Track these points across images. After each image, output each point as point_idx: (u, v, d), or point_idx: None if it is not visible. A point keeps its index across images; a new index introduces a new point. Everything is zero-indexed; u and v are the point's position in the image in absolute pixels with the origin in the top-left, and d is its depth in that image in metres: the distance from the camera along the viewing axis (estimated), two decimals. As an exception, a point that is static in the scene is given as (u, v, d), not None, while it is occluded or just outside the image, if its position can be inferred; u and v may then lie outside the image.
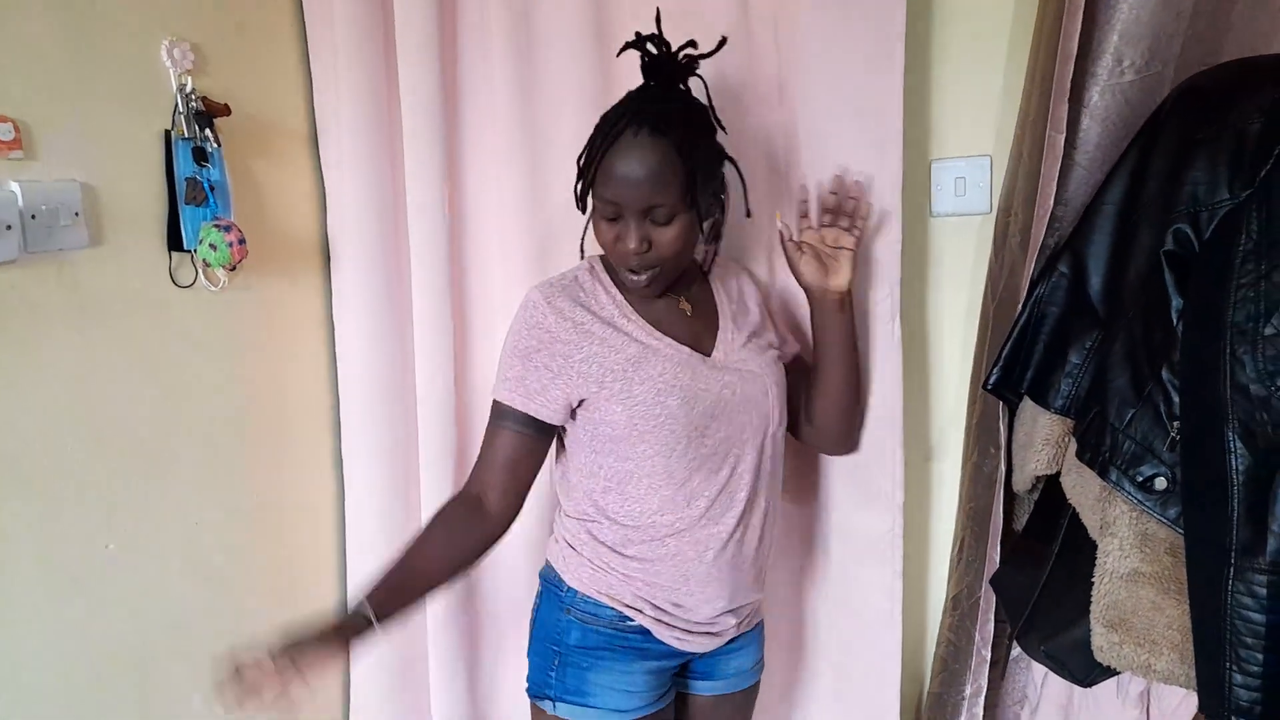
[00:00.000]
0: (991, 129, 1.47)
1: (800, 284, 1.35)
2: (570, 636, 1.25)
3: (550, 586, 1.30)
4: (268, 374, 1.57)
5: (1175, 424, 1.03)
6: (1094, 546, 1.12)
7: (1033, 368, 1.27)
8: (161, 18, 1.33)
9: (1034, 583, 1.24)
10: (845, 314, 1.32)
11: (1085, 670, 1.14)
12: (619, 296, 1.23)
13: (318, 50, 1.58)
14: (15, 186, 1.15)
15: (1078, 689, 1.30)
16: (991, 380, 1.30)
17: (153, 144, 1.34)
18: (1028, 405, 1.29)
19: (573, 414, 1.22)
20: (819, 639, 1.59)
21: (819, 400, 1.36)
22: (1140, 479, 1.05)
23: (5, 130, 1.14)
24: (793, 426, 1.40)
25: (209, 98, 1.38)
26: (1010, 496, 1.38)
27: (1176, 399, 1.03)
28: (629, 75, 1.29)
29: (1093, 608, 1.08)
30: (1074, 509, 1.17)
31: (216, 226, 1.37)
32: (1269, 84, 1.06)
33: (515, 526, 1.25)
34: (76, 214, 1.24)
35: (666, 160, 1.11)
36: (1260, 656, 0.94)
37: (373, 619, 1.13)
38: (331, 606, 1.73)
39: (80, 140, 1.24)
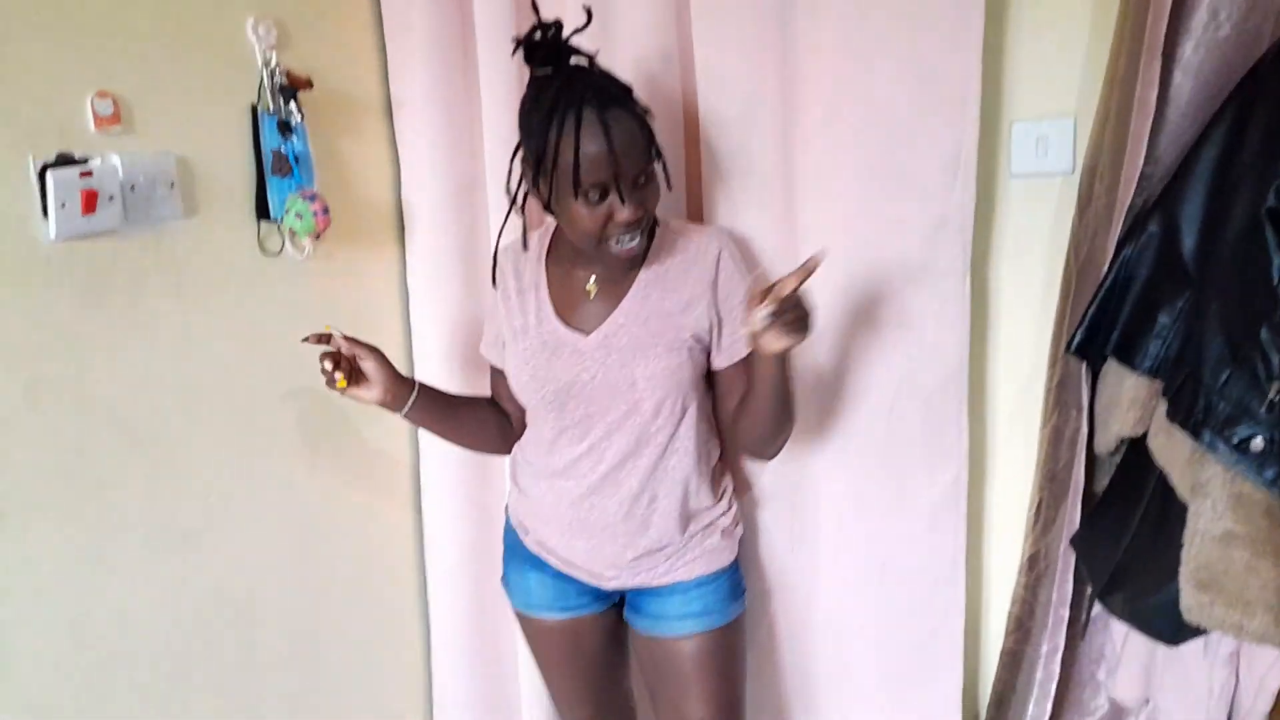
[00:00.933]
0: (1074, 89, 1.44)
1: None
2: (505, 536, 1.51)
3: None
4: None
5: (1274, 385, 1.02)
6: (1183, 508, 1.11)
7: (1119, 329, 1.25)
8: (247, -2, 1.36)
9: (1118, 544, 1.23)
10: (781, 370, 1.22)
11: (1173, 630, 1.14)
12: (541, 271, 1.34)
13: (394, 25, 1.59)
14: (116, 159, 1.19)
15: (1160, 650, 1.30)
16: (1075, 342, 1.29)
17: (240, 118, 1.38)
18: (1112, 367, 1.28)
19: None
20: (879, 598, 1.59)
21: (744, 419, 1.32)
22: (1236, 440, 1.04)
23: (106, 106, 1.18)
24: (715, 412, 1.40)
25: (292, 72, 1.40)
26: (1091, 459, 1.37)
27: (1276, 360, 1.01)
28: (708, 48, 1.31)
29: (1182, 569, 1.08)
30: (1161, 471, 1.16)
31: (302, 196, 1.41)
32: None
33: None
34: (172, 185, 1.27)
35: (630, 126, 1.15)
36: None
37: (415, 392, 1.38)
38: (409, 563, 1.79)
39: (173, 115, 1.27)
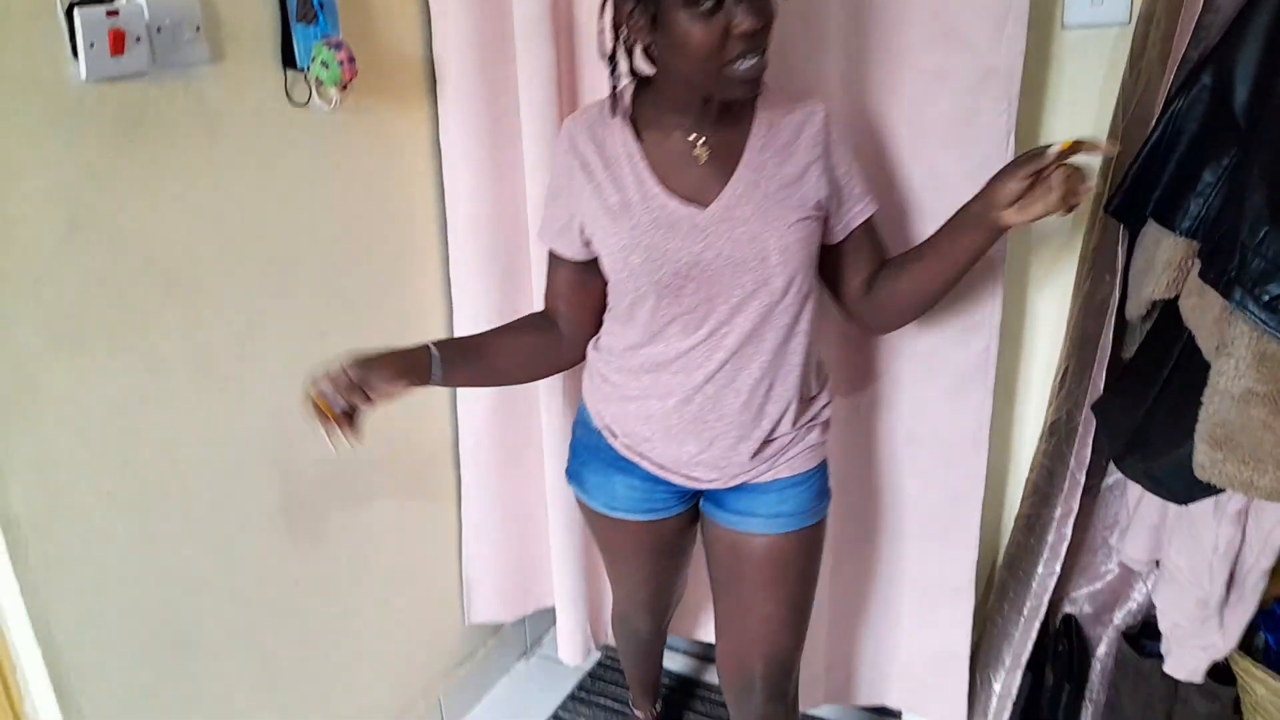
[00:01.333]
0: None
1: (991, 199, 1.14)
2: (576, 432, 1.42)
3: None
4: (381, 194, 1.62)
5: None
6: (1206, 369, 1.10)
7: (1161, 188, 1.21)
8: None
9: (1139, 408, 1.23)
10: (990, 244, 1.19)
11: (1186, 489, 1.15)
12: (628, 138, 1.19)
13: None
14: (142, 0, 1.19)
15: (1171, 511, 1.31)
16: (1115, 202, 1.25)
17: (263, -41, 1.35)
18: (1151, 229, 1.25)
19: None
20: (899, 465, 1.61)
21: (903, 283, 1.26)
22: (1267, 298, 1.01)
23: (128, -58, 1.17)
24: (834, 292, 1.34)
25: (317, -91, 1.36)
26: (1121, 325, 1.35)
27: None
28: None
29: (1199, 426, 1.07)
30: (1189, 333, 1.14)
31: (327, 45, 1.39)
32: None
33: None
34: (198, 28, 1.27)
35: None
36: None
37: (435, 360, 1.26)
38: (445, 411, 1.85)
39: (196, -46, 1.26)
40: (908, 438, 1.59)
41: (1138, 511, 1.36)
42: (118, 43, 1.15)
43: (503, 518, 1.91)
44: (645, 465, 1.32)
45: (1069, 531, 1.44)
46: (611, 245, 1.19)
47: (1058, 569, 1.48)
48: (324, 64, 1.39)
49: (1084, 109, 1.43)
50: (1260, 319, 1.02)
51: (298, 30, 1.39)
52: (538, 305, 1.69)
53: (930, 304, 1.28)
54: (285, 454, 1.51)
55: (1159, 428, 1.19)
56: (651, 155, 1.18)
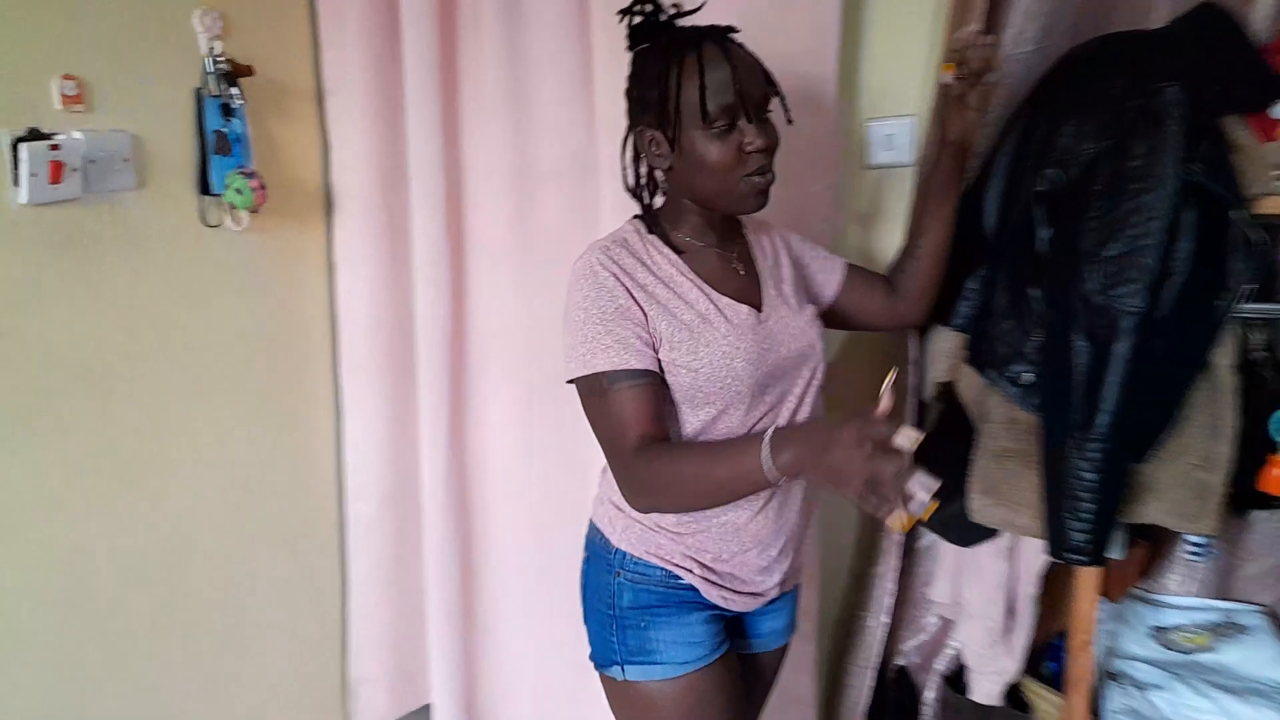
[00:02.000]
0: (917, 92, 1.69)
1: (948, 139, 1.36)
2: (623, 599, 1.23)
3: (597, 551, 1.28)
4: (280, 304, 1.79)
5: (1039, 331, 1.29)
6: (974, 434, 1.38)
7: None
8: (195, -10, 1.53)
9: (934, 469, 1.50)
10: (961, 167, 1.37)
11: (967, 535, 1.41)
12: (673, 256, 1.19)
13: (328, 16, 1.77)
14: (79, 135, 1.36)
15: (967, 561, 1.57)
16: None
17: (186, 100, 1.55)
18: (935, 326, 1.55)
19: None
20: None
21: (919, 263, 1.38)
22: (1009, 375, 1.31)
23: (70, 87, 1.34)
24: (877, 322, 1.43)
25: (235, 60, 1.58)
26: (922, 405, 1.63)
27: (1037, 311, 1.29)
28: (606, 43, 1.52)
29: (971, 479, 1.35)
30: (964, 406, 1.43)
31: (241, 173, 1.58)
32: (1130, 55, 1.31)
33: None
34: (126, 160, 1.44)
35: (746, 53, 1.14)
36: (1090, 506, 1.21)
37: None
38: (330, 510, 1.96)
39: (128, 97, 1.44)
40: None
41: (940, 561, 1.62)
42: (56, 172, 1.32)
43: (391, 618, 2.01)
44: (722, 593, 1.24)
45: (894, 587, 1.68)
46: (705, 357, 1.14)
47: (887, 621, 1.71)
48: (238, 190, 1.58)
49: (890, 231, 1.75)
50: (1008, 392, 1.31)
51: (215, 161, 1.58)
52: (424, 405, 1.87)
53: (946, 258, 1.39)
54: (181, 556, 1.60)
55: (947, 485, 1.46)
56: (698, 270, 1.20)
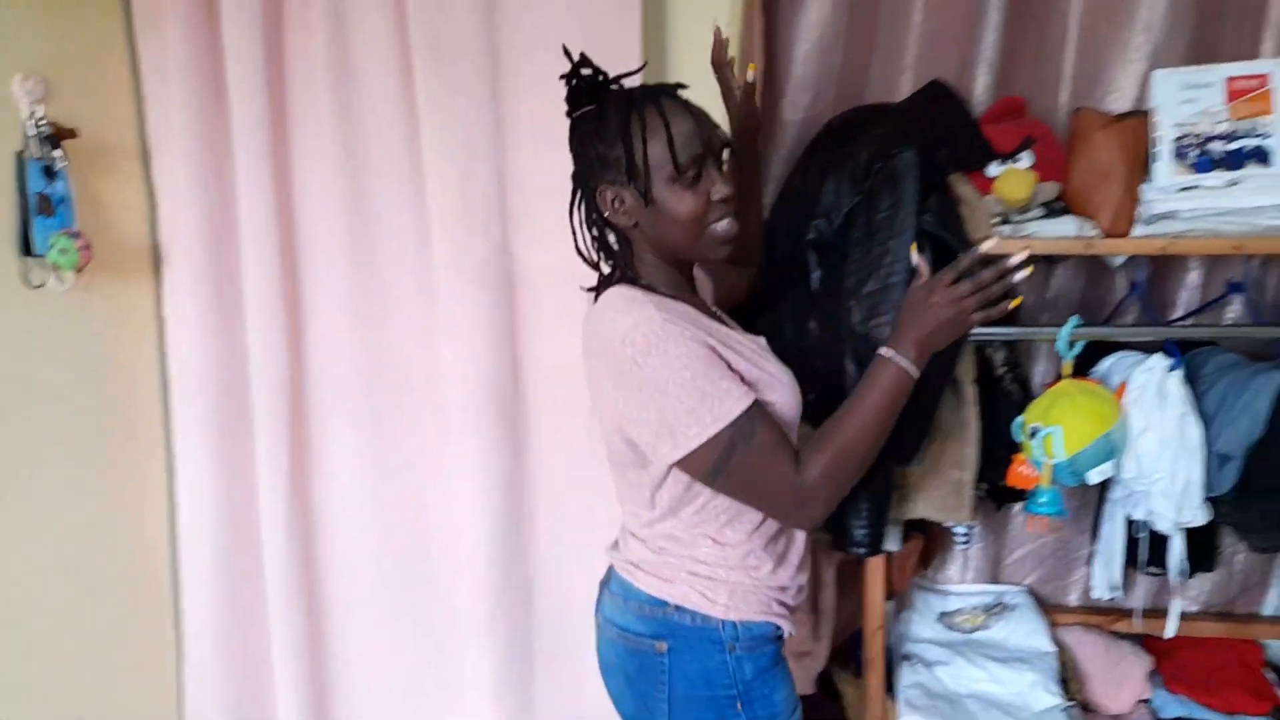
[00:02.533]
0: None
1: (748, 121, 1.41)
2: (746, 673, 1.15)
3: (690, 636, 1.16)
4: (109, 362, 1.78)
5: (818, 357, 1.50)
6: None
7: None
8: (15, 56, 1.54)
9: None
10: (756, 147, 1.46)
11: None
12: (684, 308, 1.15)
13: (151, 77, 1.80)
14: (-107, 200, 1.35)
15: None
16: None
17: (6, 164, 1.55)
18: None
19: None
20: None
21: (748, 233, 1.41)
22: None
23: (-116, 153, 1.34)
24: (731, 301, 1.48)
25: (57, 123, 1.59)
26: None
27: (815, 338, 1.50)
28: (430, 96, 1.65)
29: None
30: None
31: (65, 234, 1.59)
32: (875, 123, 1.56)
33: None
34: (-59, 223, 1.44)
35: (699, 106, 1.16)
36: (866, 506, 1.42)
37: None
38: (162, 567, 1.95)
39: (-56, 160, 1.44)
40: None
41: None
42: None
43: (224, 669, 1.99)
44: (789, 624, 1.22)
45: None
46: (783, 387, 1.16)
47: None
48: (62, 251, 1.59)
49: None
50: (798, 411, 1.51)
51: (37, 222, 1.58)
52: (260, 453, 1.90)
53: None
54: (13, 616, 1.57)
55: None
56: (705, 314, 1.18)
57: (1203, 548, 1.82)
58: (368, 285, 1.87)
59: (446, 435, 1.85)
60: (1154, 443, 1.50)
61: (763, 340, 1.23)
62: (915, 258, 1.20)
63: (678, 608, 1.16)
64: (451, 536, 1.90)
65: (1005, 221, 1.51)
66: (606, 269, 1.20)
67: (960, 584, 2.02)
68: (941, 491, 1.53)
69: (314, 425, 1.96)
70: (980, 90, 1.67)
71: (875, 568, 1.62)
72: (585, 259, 1.21)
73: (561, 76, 1.17)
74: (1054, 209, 1.52)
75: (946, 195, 1.47)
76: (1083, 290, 1.82)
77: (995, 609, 1.94)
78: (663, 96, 1.14)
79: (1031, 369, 1.86)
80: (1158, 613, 1.80)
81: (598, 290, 1.19)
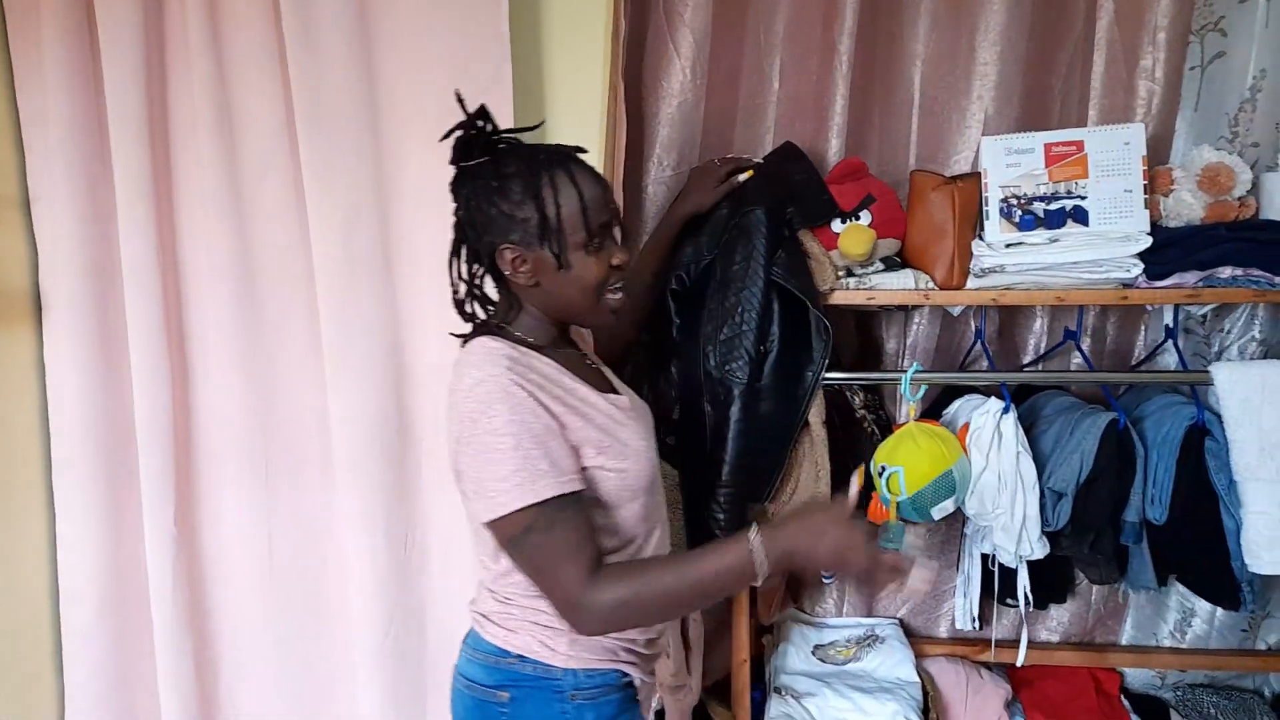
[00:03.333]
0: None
1: (687, 211, 1.60)
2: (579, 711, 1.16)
3: (529, 687, 1.17)
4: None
5: (678, 400, 1.58)
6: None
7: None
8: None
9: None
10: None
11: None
12: (553, 363, 1.16)
13: (30, 120, 1.81)
14: None
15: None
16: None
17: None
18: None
19: None
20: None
21: (642, 296, 1.55)
22: (659, 438, 1.58)
23: None
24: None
25: (-71, 172, 1.60)
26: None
27: (676, 380, 1.58)
28: (323, 152, 1.69)
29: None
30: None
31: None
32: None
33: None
34: None
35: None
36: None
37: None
38: (45, 612, 1.91)
39: None
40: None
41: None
42: None
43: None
44: (639, 674, 1.23)
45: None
46: (631, 456, 1.15)
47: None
48: (-68, 299, 1.58)
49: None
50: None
51: (-92, 270, 1.58)
52: (146, 500, 1.89)
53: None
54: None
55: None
56: (575, 372, 1.17)
57: (1057, 580, 1.93)
58: (255, 332, 1.89)
59: (334, 481, 1.87)
60: (993, 480, 1.61)
61: (626, 400, 1.22)
62: (853, 489, 1.13)
63: (520, 657, 1.17)
64: (343, 583, 1.91)
65: (849, 274, 1.62)
66: (483, 315, 1.20)
67: (835, 617, 2.10)
68: (799, 528, 1.60)
69: (202, 473, 1.96)
70: (833, 152, 1.79)
71: (741, 602, 1.69)
72: (459, 309, 1.20)
73: (457, 126, 1.16)
74: (893, 263, 1.64)
75: (796, 249, 1.57)
76: (938, 338, 1.94)
77: (867, 640, 2.02)
78: (571, 161, 1.13)
79: (896, 411, 1.97)
80: (1018, 643, 1.89)
81: (467, 337, 1.18)
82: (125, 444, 1.92)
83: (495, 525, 1.07)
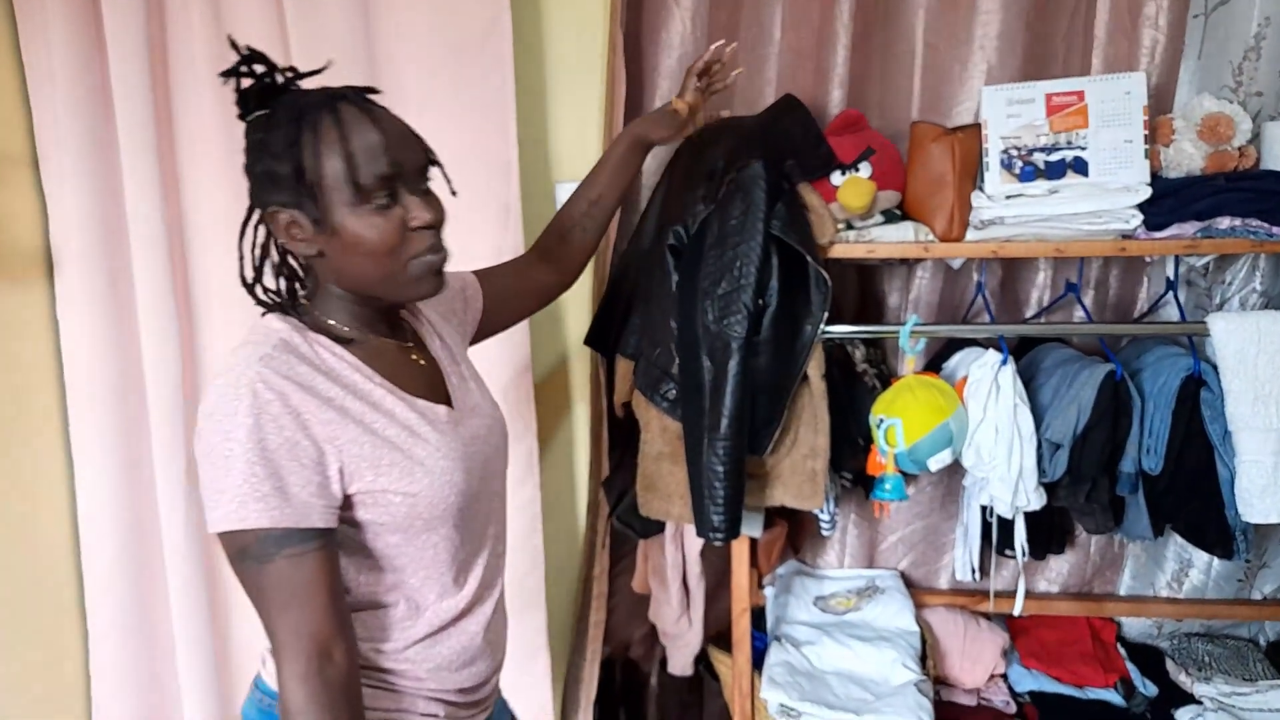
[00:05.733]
0: (585, 159, 1.98)
1: (654, 140, 1.55)
2: None
3: None
4: (6, 370, 1.81)
5: (675, 357, 1.59)
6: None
7: (614, 330, 1.80)
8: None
9: (617, 474, 1.78)
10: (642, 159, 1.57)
11: (642, 526, 1.69)
12: (348, 356, 1.00)
13: (37, 80, 1.83)
14: None
15: (652, 551, 1.86)
16: (587, 338, 1.83)
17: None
18: (618, 356, 1.83)
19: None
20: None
21: (589, 235, 1.50)
22: (660, 391, 1.60)
23: None
24: (517, 312, 1.44)
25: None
26: (613, 419, 1.91)
27: (674, 340, 1.59)
28: None
29: (638, 479, 1.63)
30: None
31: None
32: (731, 135, 1.65)
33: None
34: None
35: (394, 115, 0.99)
36: (722, 493, 1.51)
37: None
38: (68, 560, 1.97)
39: None
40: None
41: (637, 555, 1.91)
42: None
43: (136, 670, 2.01)
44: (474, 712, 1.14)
45: (605, 587, 1.94)
46: (423, 479, 0.98)
47: (603, 618, 1.96)
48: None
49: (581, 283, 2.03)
50: (660, 406, 1.60)
51: (-81, 228, 1.61)
52: (158, 450, 1.94)
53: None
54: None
55: (622, 486, 1.74)
56: (379, 369, 1.01)
57: (1056, 531, 1.96)
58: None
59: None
60: (990, 432, 1.62)
61: (444, 411, 1.05)
62: None
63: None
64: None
65: (849, 227, 1.62)
66: (272, 298, 1.03)
67: (837, 569, 2.14)
68: (798, 480, 1.63)
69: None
70: (834, 104, 1.78)
71: (740, 552, 1.72)
72: (246, 286, 1.02)
73: (223, 73, 0.98)
74: (893, 216, 1.64)
75: (795, 202, 1.58)
76: (940, 291, 1.94)
77: (867, 592, 2.05)
78: (341, 102, 0.94)
79: (899, 365, 1.98)
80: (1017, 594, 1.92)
81: (264, 314, 1.02)
82: (138, 397, 1.96)
83: (219, 538, 0.92)
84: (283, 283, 1.05)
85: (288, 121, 0.94)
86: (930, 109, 1.80)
